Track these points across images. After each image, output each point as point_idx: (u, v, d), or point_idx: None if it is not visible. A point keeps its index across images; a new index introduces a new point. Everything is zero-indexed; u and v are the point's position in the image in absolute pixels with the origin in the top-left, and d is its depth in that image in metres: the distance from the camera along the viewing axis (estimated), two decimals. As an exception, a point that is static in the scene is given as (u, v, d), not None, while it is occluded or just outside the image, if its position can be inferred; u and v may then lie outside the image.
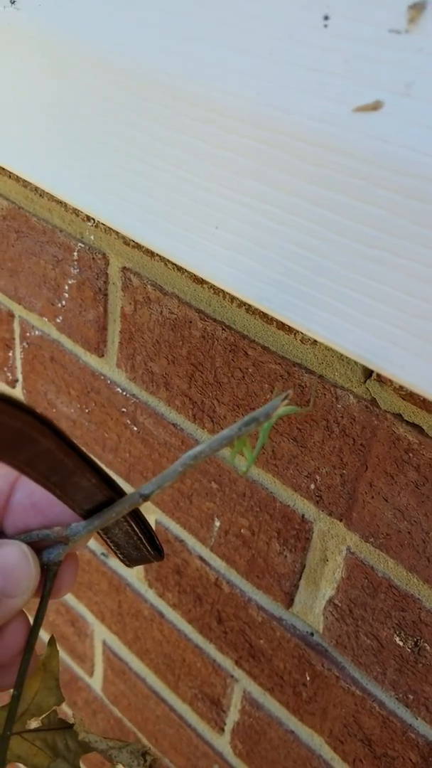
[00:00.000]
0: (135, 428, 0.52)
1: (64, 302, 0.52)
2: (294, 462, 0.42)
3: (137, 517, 0.31)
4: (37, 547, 0.30)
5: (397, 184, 0.25)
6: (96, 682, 0.73)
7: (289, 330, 0.38)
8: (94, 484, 0.28)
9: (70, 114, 0.37)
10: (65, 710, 0.82)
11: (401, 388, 0.35)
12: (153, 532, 0.32)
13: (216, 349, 0.43)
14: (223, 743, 0.59)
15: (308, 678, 0.48)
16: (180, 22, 0.30)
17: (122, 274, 0.46)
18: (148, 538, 0.32)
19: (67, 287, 0.51)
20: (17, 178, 0.51)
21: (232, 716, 0.56)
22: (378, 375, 0.35)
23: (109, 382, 0.52)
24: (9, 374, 0.63)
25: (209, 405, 0.45)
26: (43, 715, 0.33)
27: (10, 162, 0.44)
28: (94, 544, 0.64)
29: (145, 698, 0.66)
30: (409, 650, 0.40)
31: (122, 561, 0.34)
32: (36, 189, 0.50)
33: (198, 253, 0.34)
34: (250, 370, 0.41)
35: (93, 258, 0.48)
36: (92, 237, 0.47)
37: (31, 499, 0.30)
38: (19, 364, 0.61)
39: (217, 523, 0.49)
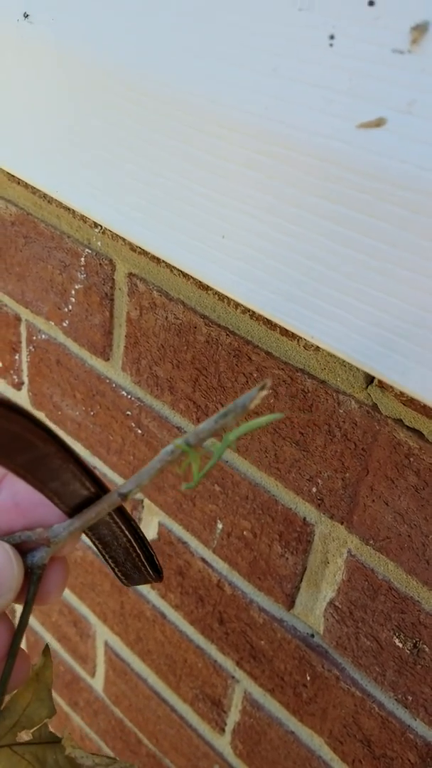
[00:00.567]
0: (139, 431, 0.53)
1: (70, 307, 0.53)
2: (296, 466, 0.42)
3: (137, 534, 0.30)
4: (21, 549, 0.29)
5: (400, 198, 0.26)
6: (98, 682, 0.74)
7: (292, 336, 0.39)
8: (94, 494, 0.28)
9: (81, 125, 0.38)
10: (66, 711, 0.82)
11: (402, 394, 0.35)
12: (153, 552, 0.32)
13: (220, 354, 0.44)
14: (223, 744, 0.59)
15: (308, 679, 0.48)
16: (190, 39, 0.30)
17: (128, 280, 0.47)
18: (147, 557, 0.31)
19: (73, 292, 0.52)
20: (26, 185, 0.52)
21: (233, 717, 0.57)
22: (379, 381, 0.36)
23: (114, 385, 0.53)
24: (15, 377, 0.63)
25: (213, 409, 0.46)
26: (34, 728, 0.32)
27: (23, 170, 0.45)
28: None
29: (147, 699, 0.67)
30: (408, 652, 0.41)
31: (120, 579, 0.33)
32: (44, 195, 0.51)
33: (205, 262, 0.35)
34: (253, 374, 0.42)
35: (100, 264, 0.49)
36: (99, 243, 0.48)
37: (15, 499, 0.29)
38: (25, 367, 0.62)
39: (220, 526, 0.50)
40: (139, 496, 0.56)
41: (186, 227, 0.35)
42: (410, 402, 0.35)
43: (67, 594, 0.71)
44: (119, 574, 0.33)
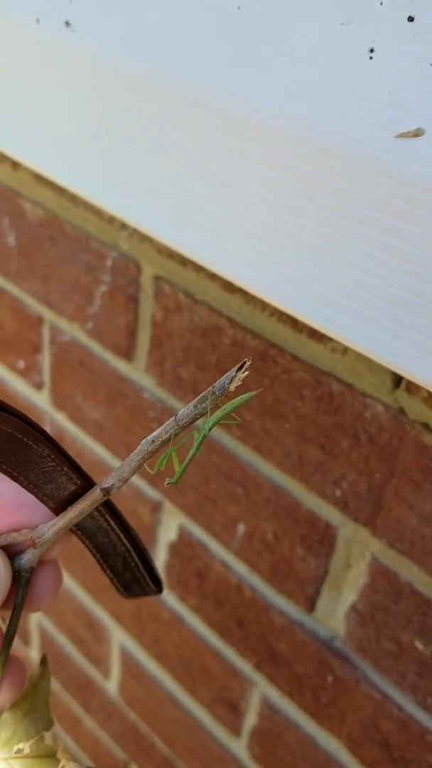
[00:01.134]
0: (161, 433, 0.53)
1: (94, 308, 0.54)
2: (320, 469, 0.43)
3: (136, 544, 0.30)
4: (9, 552, 0.28)
5: (436, 204, 0.27)
6: (112, 685, 0.74)
7: (318, 339, 0.40)
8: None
9: (119, 131, 0.38)
10: (78, 715, 0.82)
11: (429, 397, 0.36)
12: (153, 563, 0.31)
13: (245, 357, 0.44)
14: (239, 747, 0.59)
15: (328, 682, 0.49)
16: (231, 49, 0.31)
17: (154, 282, 0.48)
18: (147, 567, 0.31)
19: (98, 294, 0.53)
20: (53, 188, 0.53)
21: (250, 720, 0.57)
22: (407, 384, 0.37)
23: (136, 387, 0.54)
24: (37, 377, 0.64)
25: (236, 411, 0.46)
26: (31, 741, 0.31)
27: (59, 173, 0.45)
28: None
29: (162, 702, 0.67)
30: (429, 654, 0.41)
31: (119, 590, 0.32)
32: (72, 198, 0.51)
33: (240, 265, 0.35)
34: (278, 377, 0.43)
35: (126, 266, 0.49)
36: (126, 246, 0.49)
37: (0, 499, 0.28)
38: (47, 368, 0.62)
39: (241, 528, 0.50)
40: (158, 498, 0.56)
41: (221, 231, 0.35)
42: (438, 406, 0.36)
43: (83, 596, 0.72)
44: (118, 585, 0.32)
